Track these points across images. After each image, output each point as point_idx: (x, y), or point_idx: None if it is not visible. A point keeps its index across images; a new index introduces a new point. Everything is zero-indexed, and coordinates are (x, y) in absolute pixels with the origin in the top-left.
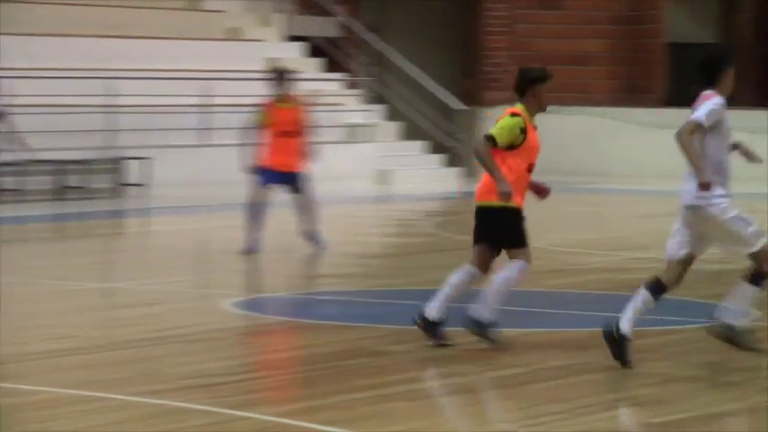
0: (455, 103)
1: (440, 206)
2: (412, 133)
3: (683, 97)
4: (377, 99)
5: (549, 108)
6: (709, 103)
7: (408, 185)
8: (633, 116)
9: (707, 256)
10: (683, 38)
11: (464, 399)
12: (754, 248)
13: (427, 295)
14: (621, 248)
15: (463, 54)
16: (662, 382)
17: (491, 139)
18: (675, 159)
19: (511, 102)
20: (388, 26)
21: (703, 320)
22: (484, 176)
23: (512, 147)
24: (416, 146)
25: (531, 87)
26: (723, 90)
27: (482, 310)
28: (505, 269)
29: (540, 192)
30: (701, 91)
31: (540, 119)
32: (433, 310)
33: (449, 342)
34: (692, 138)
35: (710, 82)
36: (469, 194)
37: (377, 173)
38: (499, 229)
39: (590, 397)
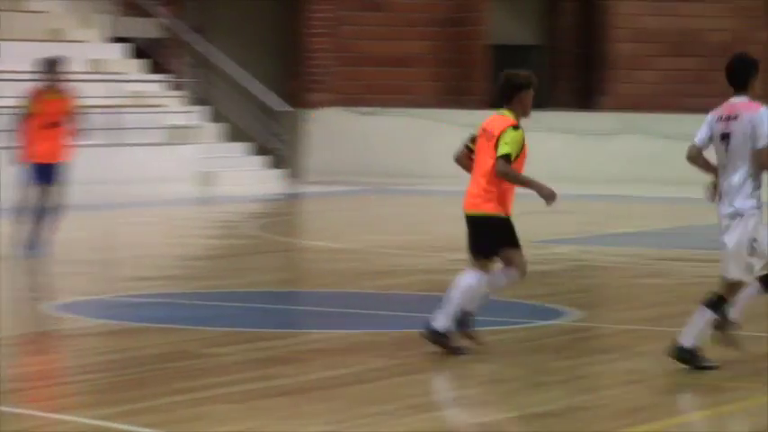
0: (279, 105)
1: (263, 208)
2: (236, 135)
3: None
4: (200, 100)
5: (371, 109)
6: (760, 121)
7: (232, 187)
8: (455, 118)
9: (528, 257)
10: (506, 40)
11: (286, 401)
12: None
13: (252, 297)
14: (444, 250)
15: (287, 55)
16: (485, 382)
17: (508, 158)
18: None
19: (335, 103)
20: (212, 27)
21: (525, 321)
22: (471, 186)
23: (514, 160)
24: (240, 147)
25: (519, 93)
26: (753, 95)
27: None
28: (502, 275)
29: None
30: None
31: (362, 120)
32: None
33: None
34: None
35: (743, 87)
36: (293, 196)
37: (200, 175)
38: (491, 238)
39: (413, 398)
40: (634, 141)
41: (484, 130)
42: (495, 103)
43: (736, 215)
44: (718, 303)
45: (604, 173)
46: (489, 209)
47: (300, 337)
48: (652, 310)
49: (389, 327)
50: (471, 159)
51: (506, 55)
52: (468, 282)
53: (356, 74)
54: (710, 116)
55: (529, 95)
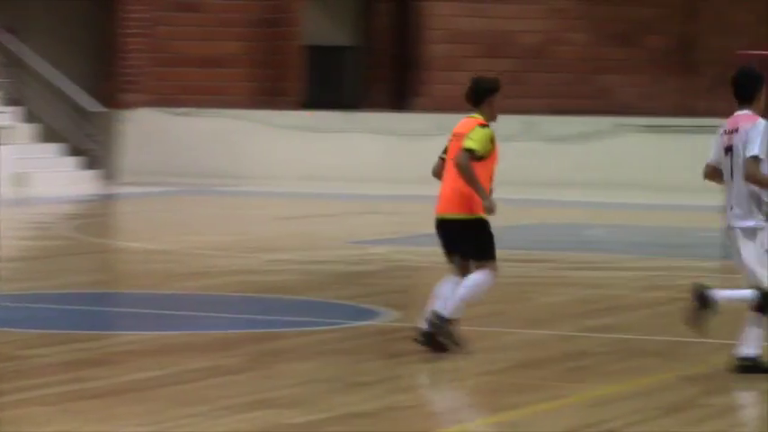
0: (93, 106)
1: (78, 209)
2: (50, 136)
3: (320, 100)
4: (14, 101)
5: (185, 110)
6: (756, 133)
7: (46, 188)
8: (270, 118)
9: (343, 257)
10: (321, 41)
11: (100, 402)
12: None
13: (66, 299)
14: (260, 251)
15: (102, 56)
16: (301, 383)
17: (471, 152)
18: (315, 161)
19: (149, 103)
20: (25, 27)
21: (341, 321)
22: (444, 187)
23: (481, 158)
24: (54, 148)
25: (488, 97)
26: (758, 108)
27: (449, 309)
28: (478, 274)
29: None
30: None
31: (177, 121)
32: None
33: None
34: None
35: (748, 100)
36: (107, 197)
37: (13, 175)
38: (467, 241)
39: (229, 399)
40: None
41: (455, 134)
42: (308, 104)
43: (747, 230)
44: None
45: (419, 173)
46: (465, 211)
47: (115, 339)
48: (468, 309)
49: (205, 328)
50: None
51: (321, 56)
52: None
53: (171, 74)
54: (719, 130)
55: (497, 99)
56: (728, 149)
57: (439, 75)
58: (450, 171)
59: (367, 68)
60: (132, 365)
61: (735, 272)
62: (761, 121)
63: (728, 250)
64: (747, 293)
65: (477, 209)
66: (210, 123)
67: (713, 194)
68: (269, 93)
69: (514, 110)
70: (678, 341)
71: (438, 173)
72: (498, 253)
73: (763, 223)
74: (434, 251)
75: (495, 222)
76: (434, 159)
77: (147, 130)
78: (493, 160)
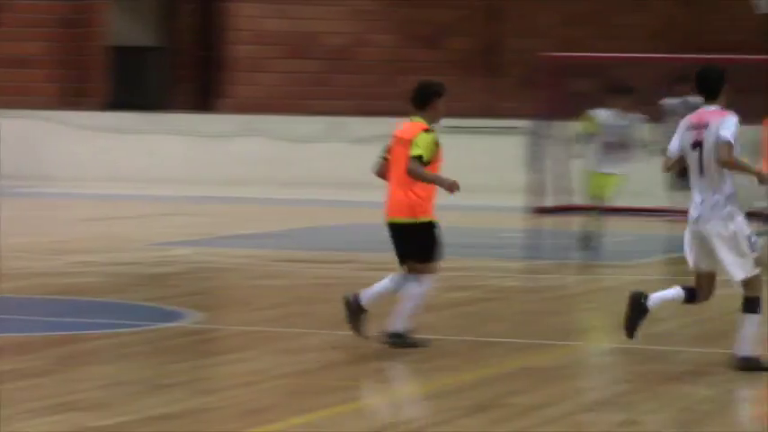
0: None
1: None
2: None
3: (125, 101)
4: None
5: None
6: (730, 124)
7: None
8: (74, 120)
9: (147, 259)
10: (126, 41)
11: None
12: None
13: None
14: (64, 252)
15: None
16: (104, 385)
17: (420, 159)
18: (119, 163)
19: None
20: None
21: (145, 323)
22: (391, 193)
23: (427, 163)
24: None
25: (433, 101)
26: (724, 105)
27: (398, 323)
28: (418, 284)
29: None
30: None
31: None
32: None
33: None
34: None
35: (713, 96)
36: None
37: None
38: (413, 243)
39: (33, 402)
40: (254, 143)
41: (398, 138)
42: (113, 105)
43: (719, 224)
44: (754, 304)
45: (224, 175)
46: (410, 215)
47: None
48: (270, 311)
49: (5, 331)
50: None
51: (126, 56)
52: (418, 291)
53: None
54: (681, 126)
55: (442, 102)
56: (697, 144)
57: (243, 76)
58: (396, 177)
59: (172, 69)
60: None
61: (541, 272)
62: (731, 115)
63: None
64: (676, 293)
65: (423, 213)
66: (14, 125)
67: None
68: (73, 94)
69: (320, 111)
70: (481, 341)
71: (381, 173)
72: (295, 254)
73: (734, 210)
74: (239, 253)
75: (305, 222)
76: (240, 161)
77: None
78: (437, 162)
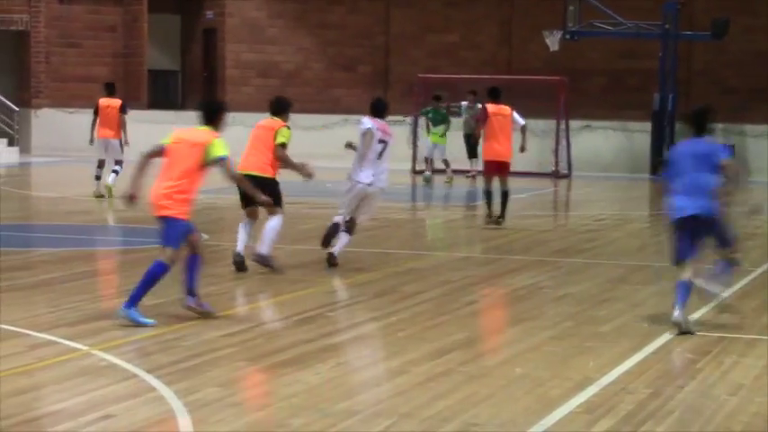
0: (14, 106)
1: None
2: None
3: (158, 103)
4: None
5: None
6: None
7: None
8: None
9: None
10: (157, 66)
11: (22, 294)
12: None
13: None
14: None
15: (16, 74)
16: None
17: (285, 146)
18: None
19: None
20: None
21: None
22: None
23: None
24: None
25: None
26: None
27: (263, 248)
28: (274, 219)
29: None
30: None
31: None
32: (264, 248)
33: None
34: None
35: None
36: (24, 164)
37: None
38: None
39: (108, 290)
40: (238, 131)
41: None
42: (175, 106)
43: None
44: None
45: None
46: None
47: (32, 253)
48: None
49: (91, 246)
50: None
51: (158, 75)
52: (274, 223)
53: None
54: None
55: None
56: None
57: (231, 88)
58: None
59: (186, 83)
60: (43, 269)
61: (418, 209)
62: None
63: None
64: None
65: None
66: (88, 120)
67: (401, 162)
68: (125, 99)
69: None
70: (382, 252)
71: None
72: None
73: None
74: (230, 198)
75: None
76: (230, 141)
77: (49, 122)
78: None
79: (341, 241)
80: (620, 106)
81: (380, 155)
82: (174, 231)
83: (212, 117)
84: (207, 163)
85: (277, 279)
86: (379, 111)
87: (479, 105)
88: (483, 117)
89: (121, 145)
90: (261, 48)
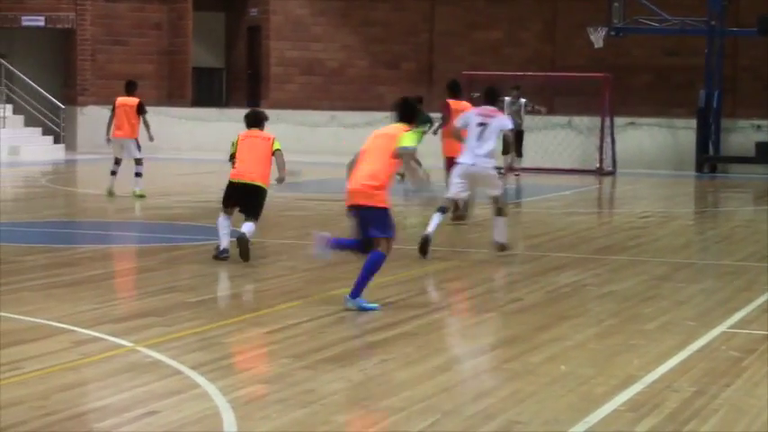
0: (60, 103)
1: (50, 168)
2: (30, 122)
3: (203, 100)
4: (8, 100)
5: None
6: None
7: (29, 156)
8: (173, 112)
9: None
10: (202, 64)
11: (68, 290)
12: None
13: (45, 224)
14: (168, 194)
15: (62, 72)
16: (192, 276)
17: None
18: (199, 138)
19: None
20: (12, 53)
21: (216, 238)
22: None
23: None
24: (35, 130)
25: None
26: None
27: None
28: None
29: None
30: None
31: None
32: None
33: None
34: None
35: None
36: (69, 161)
37: (10, 147)
38: (255, 201)
39: (147, 287)
40: (282, 128)
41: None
42: (219, 104)
43: None
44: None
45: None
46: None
47: (76, 249)
48: (294, 231)
49: (132, 242)
50: None
51: (203, 73)
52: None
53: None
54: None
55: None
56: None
57: (275, 85)
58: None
59: (231, 81)
60: (87, 266)
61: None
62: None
63: None
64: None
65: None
66: None
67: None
68: (172, 96)
69: (323, 108)
70: (433, 249)
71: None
72: (313, 196)
73: None
74: (271, 194)
75: (315, 176)
76: None
77: (95, 119)
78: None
79: (433, 222)
80: (665, 103)
81: (480, 136)
82: (389, 220)
83: (408, 115)
84: (396, 155)
85: (321, 277)
86: (490, 98)
87: (523, 101)
88: (447, 114)
89: (138, 145)
90: (305, 45)
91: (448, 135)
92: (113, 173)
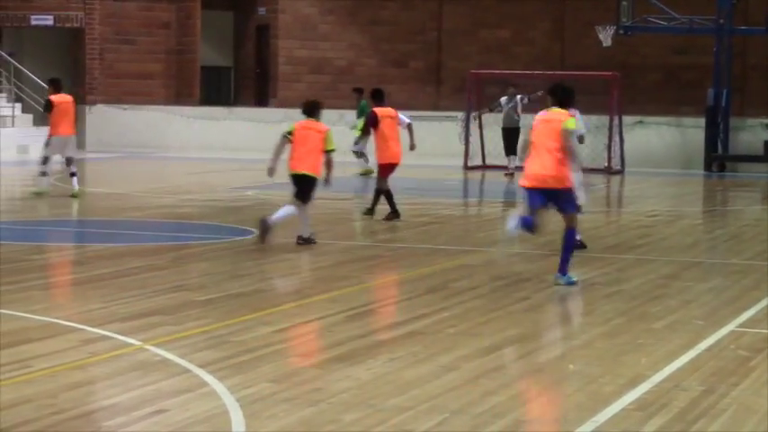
0: None
1: (59, 167)
2: (38, 121)
3: (211, 99)
4: (17, 99)
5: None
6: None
7: (37, 154)
8: (181, 111)
9: (227, 197)
10: (211, 63)
11: (77, 288)
12: None
13: (53, 223)
14: (176, 193)
15: (72, 70)
16: (201, 275)
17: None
18: (207, 138)
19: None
20: (21, 51)
21: (224, 237)
22: (305, 157)
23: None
24: (42, 129)
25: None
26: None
27: (276, 220)
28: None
29: None
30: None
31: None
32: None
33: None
34: None
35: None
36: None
37: (18, 146)
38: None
39: (155, 286)
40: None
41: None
42: (227, 103)
43: None
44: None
45: (273, 145)
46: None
47: (86, 248)
48: None
49: (140, 241)
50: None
51: (211, 72)
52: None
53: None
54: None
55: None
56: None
57: (283, 84)
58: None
59: (239, 80)
60: (96, 265)
61: (469, 206)
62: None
63: None
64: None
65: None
66: (144, 115)
67: (452, 158)
68: (180, 95)
69: (330, 107)
70: (432, 248)
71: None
72: (324, 194)
73: None
74: (284, 193)
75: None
76: None
77: (103, 118)
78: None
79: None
80: (674, 102)
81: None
82: (574, 198)
83: (566, 99)
84: (565, 137)
85: (328, 276)
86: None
87: (519, 97)
88: (373, 122)
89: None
90: (313, 44)
91: (385, 141)
92: (44, 173)
